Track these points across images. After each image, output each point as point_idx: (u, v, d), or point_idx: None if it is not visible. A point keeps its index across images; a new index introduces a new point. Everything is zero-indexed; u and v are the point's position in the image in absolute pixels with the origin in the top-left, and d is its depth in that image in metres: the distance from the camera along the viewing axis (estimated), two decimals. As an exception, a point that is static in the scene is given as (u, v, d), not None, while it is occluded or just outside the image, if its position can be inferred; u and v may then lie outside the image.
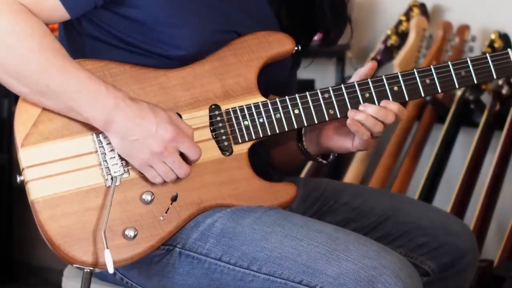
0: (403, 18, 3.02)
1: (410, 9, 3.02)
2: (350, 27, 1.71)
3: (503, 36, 2.86)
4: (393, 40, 3.02)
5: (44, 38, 1.48)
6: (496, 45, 2.83)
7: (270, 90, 1.65)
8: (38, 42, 1.48)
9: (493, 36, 2.85)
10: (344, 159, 3.01)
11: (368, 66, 1.61)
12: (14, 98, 3.09)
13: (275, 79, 1.66)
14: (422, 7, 3.01)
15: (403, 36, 3.01)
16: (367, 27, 3.16)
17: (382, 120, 1.57)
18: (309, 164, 2.90)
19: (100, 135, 1.52)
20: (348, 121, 1.57)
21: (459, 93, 2.86)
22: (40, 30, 1.49)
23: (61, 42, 1.59)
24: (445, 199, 2.78)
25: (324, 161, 1.69)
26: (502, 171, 2.73)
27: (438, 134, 2.88)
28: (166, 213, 1.53)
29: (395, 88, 1.59)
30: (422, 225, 1.71)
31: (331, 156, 1.68)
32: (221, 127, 1.57)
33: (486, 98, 2.88)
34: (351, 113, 1.57)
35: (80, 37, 1.59)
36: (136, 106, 1.48)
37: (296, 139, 1.67)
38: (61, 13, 1.52)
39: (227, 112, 1.58)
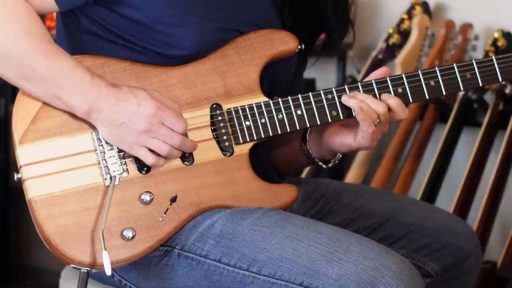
0: (405, 16, 3.01)
1: (412, 7, 3.02)
2: (353, 31, 1.71)
3: (507, 35, 2.85)
4: (395, 38, 3.01)
5: (32, 23, 1.48)
6: (500, 43, 2.82)
7: (275, 91, 1.64)
8: (25, 26, 1.48)
9: (496, 35, 2.84)
10: (345, 160, 3.00)
11: (381, 71, 1.60)
12: (11, 97, 3.07)
13: (280, 79, 1.66)
14: (425, 5, 3.01)
15: (405, 35, 3.00)
16: (369, 25, 3.15)
17: (374, 108, 1.54)
18: (310, 164, 2.88)
19: (100, 133, 1.50)
20: (347, 101, 1.56)
21: (462, 92, 2.85)
22: (29, 15, 1.49)
23: (59, 39, 1.61)
24: (447, 200, 2.77)
25: (323, 165, 1.66)
26: (505, 172, 2.72)
27: (440, 134, 2.87)
28: (165, 213, 1.52)
29: (399, 90, 1.59)
30: (425, 226, 1.70)
31: (331, 162, 1.67)
32: (222, 127, 1.56)
33: (489, 97, 2.86)
34: (344, 97, 1.56)
35: (79, 34, 1.59)
36: (117, 91, 1.48)
37: (300, 139, 1.65)
38: (51, 5, 1.53)
39: (229, 112, 1.57)
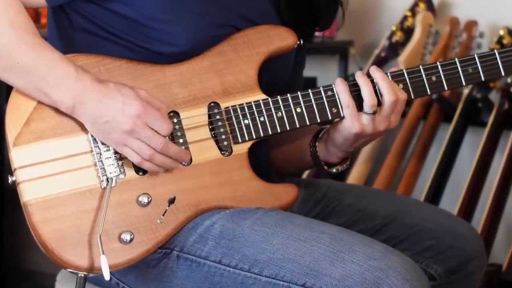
0: (409, 13, 3.01)
1: (415, 4, 3.02)
2: (342, 10, 1.69)
3: (512, 32, 2.84)
4: (398, 36, 3.01)
5: (18, 15, 1.48)
6: (505, 41, 2.82)
7: (273, 89, 1.62)
8: (11, 18, 1.47)
9: (501, 32, 2.84)
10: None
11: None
12: (5, 97, 3.05)
13: (278, 77, 1.64)
14: (428, 2, 3.01)
15: (408, 32, 3.01)
16: (371, 22, 3.14)
17: (384, 89, 1.53)
18: (311, 163, 2.87)
19: (96, 134, 1.49)
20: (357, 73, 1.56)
21: (466, 91, 2.86)
22: (14, 7, 1.48)
23: (51, 37, 1.60)
24: (452, 201, 2.77)
25: (326, 168, 1.65)
26: (511, 172, 2.72)
27: (444, 133, 2.87)
28: (163, 215, 1.51)
29: (401, 86, 1.57)
30: (428, 228, 1.69)
31: (335, 168, 1.65)
32: (221, 126, 1.55)
33: (494, 96, 2.87)
34: (358, 73, 1.56)
35: (71, 32, 1.58)
36: (103, 87, 1.46)
37: (312, 136, 1.64)
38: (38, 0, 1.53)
39: (227, 111, 1.55)
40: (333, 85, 1.56)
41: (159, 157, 1.48)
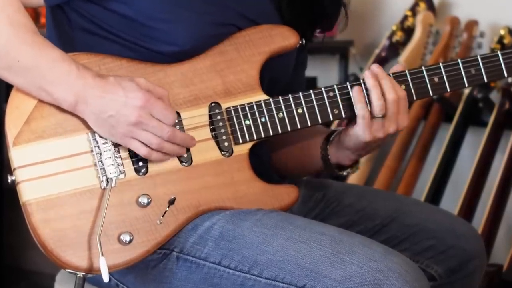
0: (409, 13, 3.01)
1: (416, 4, 3.02)
2: (346, 12, 1.69)
3: (513, 32, 2.84)
4: (398, 36, 3.00)
5: (17, 13, 1.48)
6: (506, 41, 2.82)
7: (275, 89, 1.61)
8: (10, 16, 1.47)
9: (502, 32, 2.84)
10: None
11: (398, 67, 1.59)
12: (4, 96, 3.04)
13: (279, 77, 1.64)
14: (429, 2, 3.01)
15: (409, 32, 3.01)
16: (372, 22, 3.14)
17: (386, 88, 1.52)
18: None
19: (96, 134, 1.48)
20: (366, 73, 1.55)
21: (467, 91, 2.86)
22: (13, 5, 1.48)
23: (50, 37, 1.59)
24: (452, 201, 2.76)
25: (338, 171, 1.65)
26: (511, 172, 2.68)
27: (445, 133, 2.87)
28: (163, 216, 1.50)
29: (403, 87, 1.57)
30: (428, 228, 1.68)
31: (346, 171, 1.64)
32: (221, 127, 1.54)
33: (495, 96, 2.86)
34: (367, 73, 1.55)
35: (70, 31, 1.57)
36: (104, 83, 1.46)
37: (324, 138, 1.64)
38: None
39: (228, 111, 1.55)
40: (334, 86, 1.56)
41: (167, 145, 1.47)
